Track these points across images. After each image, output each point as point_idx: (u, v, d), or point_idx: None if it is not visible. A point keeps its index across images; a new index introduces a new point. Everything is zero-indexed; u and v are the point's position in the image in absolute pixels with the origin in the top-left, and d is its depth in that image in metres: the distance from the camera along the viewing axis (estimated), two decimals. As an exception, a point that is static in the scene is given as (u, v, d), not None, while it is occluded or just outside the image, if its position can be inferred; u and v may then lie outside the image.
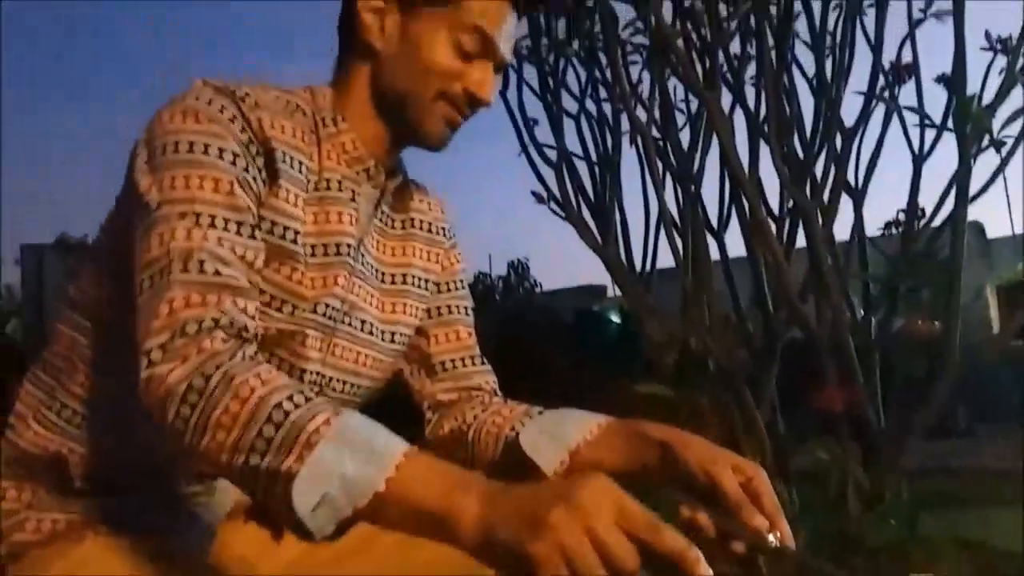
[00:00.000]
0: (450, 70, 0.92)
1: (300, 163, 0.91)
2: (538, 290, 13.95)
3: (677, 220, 2.71)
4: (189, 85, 0.87)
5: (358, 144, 0.96)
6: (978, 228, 5.61)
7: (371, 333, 1.00)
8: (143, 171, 0.83)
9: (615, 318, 8.54)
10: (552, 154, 2.89)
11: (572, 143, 2.91)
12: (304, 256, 0.90)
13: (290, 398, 0.70)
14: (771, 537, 0.80)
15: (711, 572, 0.61)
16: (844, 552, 1.95)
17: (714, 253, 2.69)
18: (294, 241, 0.88)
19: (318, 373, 0.94)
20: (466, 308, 1.12)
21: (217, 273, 0.77)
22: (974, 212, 2.25)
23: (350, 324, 0.97)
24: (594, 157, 2.91)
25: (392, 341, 1.03)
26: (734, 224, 2.65)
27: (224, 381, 0.70)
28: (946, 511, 2.51)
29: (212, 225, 0.80)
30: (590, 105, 2.91)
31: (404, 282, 1.05)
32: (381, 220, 1.03)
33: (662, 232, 2.76)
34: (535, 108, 2.96)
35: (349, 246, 0.94)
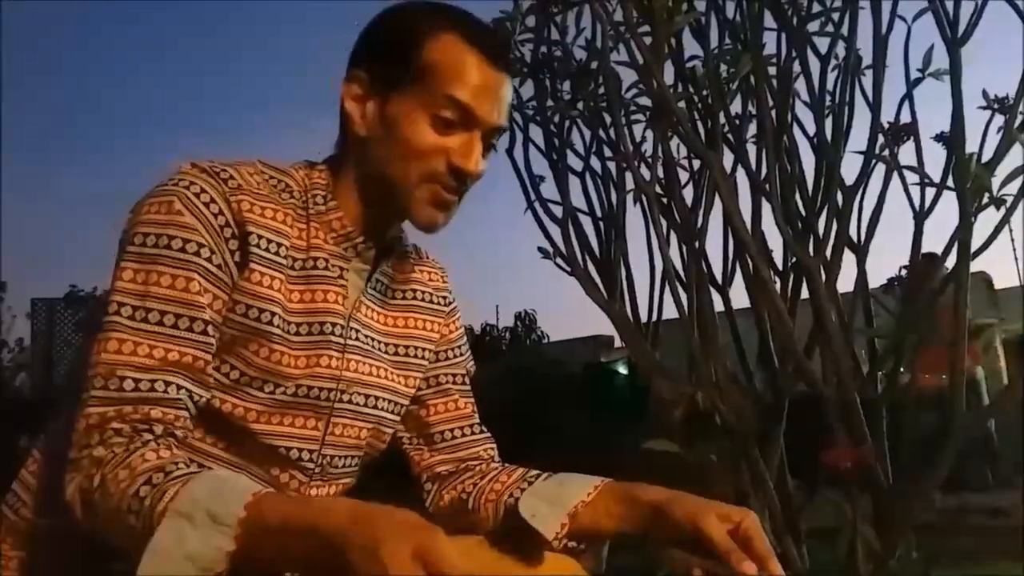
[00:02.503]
0: (432, 147, 0.94)
1: (279, 245, 0.93)
2: (545, 341, 13.91)
3: (682, 275, 2.74)
4: (174, 170, 0.91)
5: (346, 222, 0.98)
6: (985, 280, 5.61)
7: (375, 407, 1.02)
8: (117, 259, 0.88)
9: (623, 370, 8.51)
10: (558, 210, 2.93)
11: (577, 200, 2.96)
12: (284, 336, 0.92)
13: (147, 481, 0.75)
14: None
15: None
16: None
17: (719, 306, 2.71)
18: (270, 323, 0.91)
19: (318, 453, 0.96)
20: (464, 376, 1.14)
21: (137, 388, 0.82)
22: (982, 263, 2.27)
23: (350, 401, 0.99)
24: (599, 213, 2.95)
25: (395, 412, 1.05)
26: (739, 278, 2.68)
27: (98, 483, 0.77)
28: (960, 567, 2.47)
29: (154, 329, 0.84)
30: (595, 163, 2.96)
31: (407, 353, 1.07)
32: (379, 292, 1.05)
33: (667, 286, 2.78)
34: (541, 166, 3.01)
35: (335, 325, 0.96)
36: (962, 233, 2.14)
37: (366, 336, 1.01)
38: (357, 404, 0.99)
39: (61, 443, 0.93)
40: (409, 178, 0.94)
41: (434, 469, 1.09)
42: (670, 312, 2.80)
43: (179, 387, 0.84)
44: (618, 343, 12.19)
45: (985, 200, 2.14)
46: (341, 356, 0.97)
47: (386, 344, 1.04)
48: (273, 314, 0.91)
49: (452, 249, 1.19)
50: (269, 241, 0.92)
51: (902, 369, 2.58)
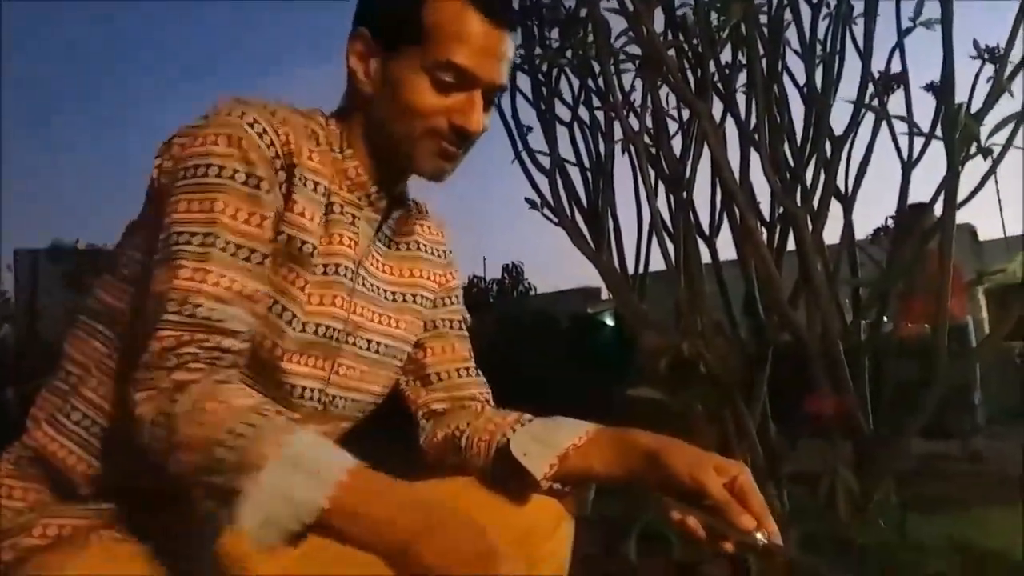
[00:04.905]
0: (432, 107, 0.95)
1: (316, 183, 0.94)
2: (532, 293, 13.96)
3: (669, 226, 2.74)
4: (219, 102, 0.90)
5: (361, 171, 0.99)
6: (970, 231, 5.65)
7: (377, 352, 1.03)
8: (170, 191, 0.87)
9: (609, 322, 8.56)
10: (545, 161, 2.91)
11: (565, 150, 2.94)
12: (312, 270, 0.93)
13: (247, 421, 0.74)
14: (759, 535, 0.82)
15: None
16: (833, 554, 1.98)
17: (706, 257, 2.72)
18: (309, 254, 0.92)
19: (322, 391, 0.97)
20: (461, 322, 1.15)
21: (208, 316, 0.83)
22: (967, 215, 2.29)
23: (355, 344, 1.00)
24: (587, 164, 2.94)
25: (396, 358, 1.06)
26: (726, 229, 2.69)
27: (186, 408, 0.76)
28: (937, 513, 2.54)
29: (221, 258, 0.84)
30: (583, 113, 2.93)
31: (406, 300, 1.08)
32: (384, 243, 1.06)
33: (654, 238, 2.78)
34: (529, 116, 2.99)
35: (347, 268, 0.97)
36: (949, 182, 2.15)
37: (372, 284, 1.03)
38: (361, 348, 1.01)
39: (71, 377, 0.94)
40: (412, 135, 0.96)
41: (430, 407, 1.11)
42: (656, 264, 2.82)
43: (245, 320, 0.85)
44: (605, 295, 12.26)
45: (973, 150, 2.14)
46: (349, 300, 0.98)
47: (389, 292, 1.06)
48: (314, 247, 0.93)
49: (438, 200, 1.19)
50: (308, 179, 0.93)
51: (885, 319, 2.61)
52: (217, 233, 0.85)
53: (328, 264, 0.96)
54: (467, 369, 1.13)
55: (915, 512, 2.24)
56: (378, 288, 1.04)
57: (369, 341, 1.02)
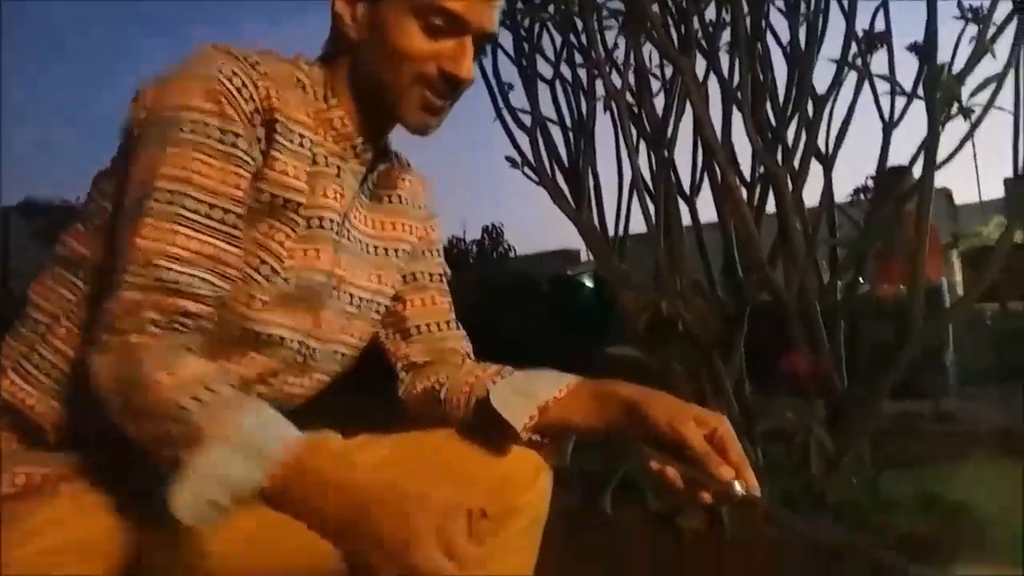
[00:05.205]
0: (421, 53, 0.92)
1: (301, 136, 0.91)
2: (512, 255, 13.96)
3: (650, 186, 2.73)
4: (197, 50, 0.87)
5: (347, 121, 0.97)
6: (946, 194, 5.70)
7: (358, 306, 1.02)
8: (143, 142, 0.84)
9: (589, 283, 8.58)
10: (526, 119, 2.88)
11: (546, 108, 2.91)
12: (296, 225, 0.91)
13: (195, 396, 0.74)
14: (737, 486, 0.83)
15: None
16: (808, 510, 2.01)
17: (686, 219, 2.72)
18: (295, 211, 0.90)
19: (302, 343, 0.96)
20: (441, 276, 1.15)
21: (172, 280, 0.81)
22: (944, 179, 2.29)
23: (338, 298, 0.99)
24: (568, 122, 2.91)
25: (377, 311, 1.05)
26: (706, 190, 2.68)
27: (138, 377, 0.76)
28: (909, 470, 2.59)
29: (191, 218, 0.82)
30: (565, 70, 2.90)
31: (387, 254, 1.07)
32: (367, 196, 1.04)
33: (635, 198, 2.78)
34: (510, 73, 2.95)
35: (332, 221, 0.96)
36: (929, 142, 2.15)
37: (355, 237, 1.01)
38: (344, 302, 1.00)
39: (38, 325, 0.92)
40: (400, 82, 0.93)
41: (409, 359, 1.10)
42: (637, 227, 2.81)
43: (211, 283, 0.83)
44: (584, 258, 12.27)
45: (954, 110, 2.15)
46: (334, 254, 0.96)
47: (371, 246, 1.05)
48: (298, 204, 0.91)
49: (418, 160, 1.17)
50: (292, 131, 0.90)
51: (861, 280, 2.64)
52: (188, 192, 0.82)
53: (312, 217, 0.94)
54: (447, 322, 1.13)
55: (887, 470, 2.28)
56: (361, 242, 1.03)
57: (351, 296, 1.01)
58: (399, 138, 1.12)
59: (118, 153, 0.91)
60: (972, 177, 7.69)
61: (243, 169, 0.86)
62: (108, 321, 0.80)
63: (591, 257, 3.08)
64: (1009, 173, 2.32)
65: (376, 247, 1.05)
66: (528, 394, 0.97)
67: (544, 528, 1.08)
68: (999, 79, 2.16)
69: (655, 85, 2.75)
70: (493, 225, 14.08)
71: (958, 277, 4.86)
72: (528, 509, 1.05)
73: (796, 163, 2.37)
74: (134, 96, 0.89)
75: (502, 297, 7.95)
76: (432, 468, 1.03)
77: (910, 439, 3.26)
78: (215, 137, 0.84)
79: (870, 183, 2.52)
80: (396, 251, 1.08)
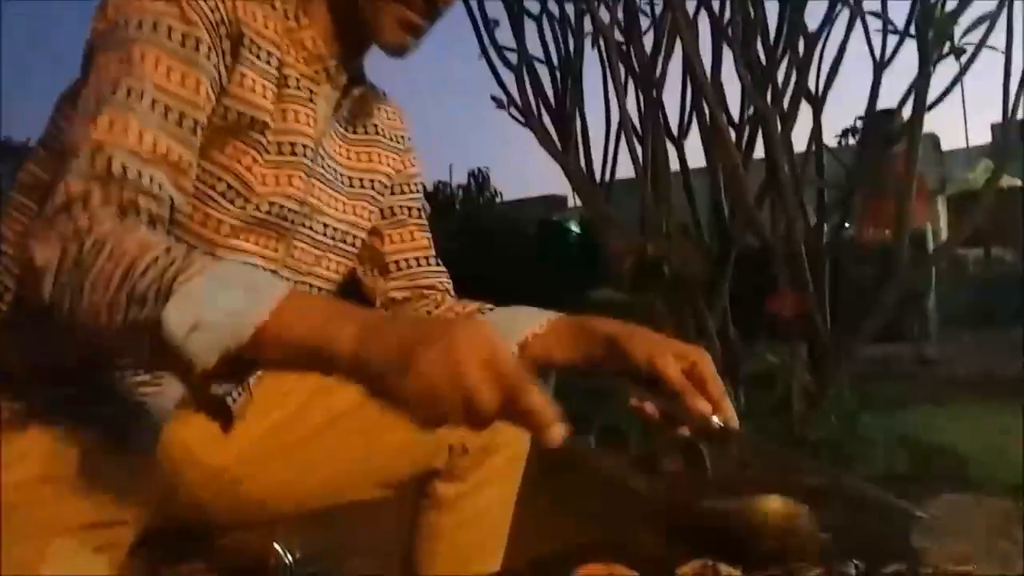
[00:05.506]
0: None
1: (269, 54, 0.87)
2: (499, 200, 13.88)
3: (638, 128, 2.69)
4: None
5: (318, 42, 0.92)
6: (933, 140, 5.68)
7: (332, 237, 0.99)
8: (102, 48, 0.80)
9: (575, 228, 8.56)
10: (513, 57, 2.82)
11: (533, 46, 2.85)
12: (264, 149, 0.87)
13: (167, 250, 0.67)
14: (715, 419, 0.82)
15: (560, 438, 0.61)
16: (786, 446, 2.04)
17: (674, 162, 2.69)
18: (261, 132, 0.86)
19: (275, 273, 0.93)
20: (420, 211, 1.12)
21: (124, 173, 0.74)
22: (931, 125, 2.28)
23: (311, 228, 0.96)
24: (556, 61, 2.85)
25: (352, 244, 1.03)
26: (694, 133, 2.65)
27: (97, 246, 0.67)
28: (887, 411, 2.62)
29: (147, 115, 0.77)
30: (552, 6, 2.83)
31: (363, 186, 1.03)
32: (342, 125, 1.00)
33: (622, 142, 2.74)
34: (495, 8, 2.88)
35: (306, 147, 0.92)
36: (920, 83, 2.12)
37: (329, 166, 0.97)
38: (317, 232, 0.97)
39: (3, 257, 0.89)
40: None
41: (389, 295, 1.08)
42: (623, 173, 2.78)
43: (165, 187, 0.77)
44: (571, 203, 12.21)
45: (946, 50, 2.12)
46: (308, 181, 0.93)
47: (345, 177, 1.01)
48: (264, 124, 0.86)
49: (402, 98, 1.13)
50: (261, 48, 0.86)
51: (847, 224, 2.63)
52: (145, 89, 0.77)
53: (283, 143, 0.90)
54: (427, 258, 1.11)
55: (866, 410, 2.31)
56: (335, 171, 1.00)
57: (325, 226, 0.98)
58: (380, 74, 1.09)
59: (80, 73, 0.87)
60: (959, 125, 7.68)
61: (204, 76, 0.81)
62: (51, 209, 0.71)
63: (578, 203, 3.05)
64: (995, 119, 2.30)
65: (351, 178, 1.02)
66: (508, 329, 0.96)
67: (526, 470, 1.07)
68: (991, 19, 2.12)
69: (644, 22, 2.70)
70: (479, 170, 13.94)
71: (943, 223, 4.88)
72: (509, 445, 1.05)
73: (785, 103, 2.34)
74: (96, 8, 0.84)
75: (488, 241, 7.93)
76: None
77: (891, 381, 3.30)
78: (176, 40, 0.79)
79: (859, 124, 2.50)
80: (372, 183, 1.04)
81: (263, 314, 0.62)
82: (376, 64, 1.04)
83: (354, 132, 1.03)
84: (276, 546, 0.98)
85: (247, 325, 0.62)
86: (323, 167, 0.96)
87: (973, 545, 0.71)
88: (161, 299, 0.63)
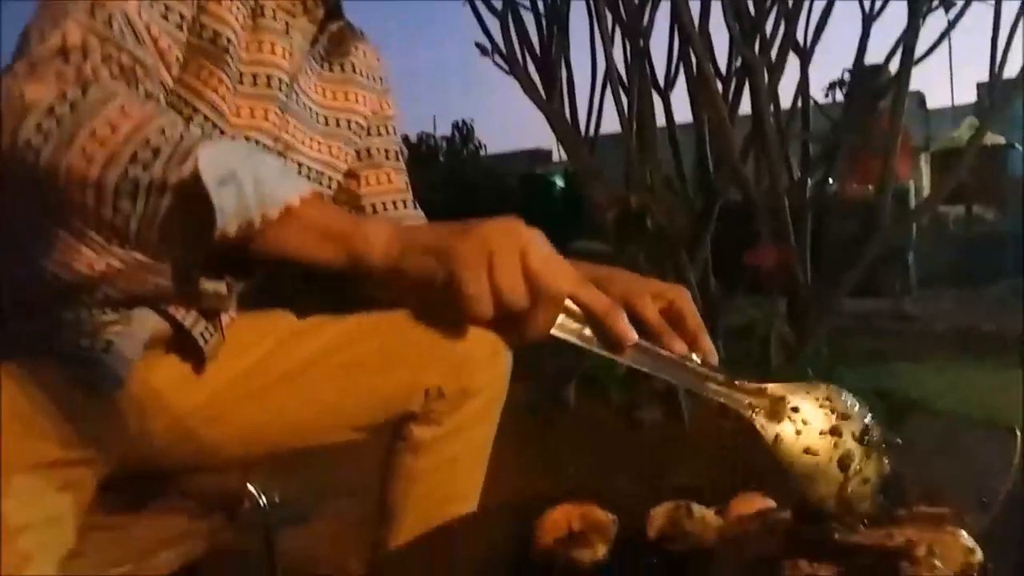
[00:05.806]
0: None
1: None
2: (483, 153, 13.75)
3: (624, 79, 2.65)
4: None
5: None
6: (919, 97, 5.67)
7: (307, 176, 0.97)
8: None
9: (559, 182, 8.52)
10: (498, 3, 2.76)
11: (519, -9, 2.78)
12: (233, 75, 0.84)
13: (189, 119, 0.63)
14: (694, 356, 0.82)
15: (634, 336, 0.60)
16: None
17: (660, 116, 2.66)
18: (226, 50, 0.82)
19: None
20: (397, 153, 1.09)
21: (123, 36, 0.69)
22: (916, 82, 2.26)
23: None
24: (541, 7, 2.80)
25: (328, 186, 1.01)
26: (681, 87, 2.61)
27: (103, 97, 0.60)
28: (865, 366, 2.66)
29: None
30: (539, -51, 2.76)
31: (339, 125, 1.01)
32: (318, 62, 0.97)
33: (608, 95, 2.70)
34: (480, -49, 2.80)
35: (281, 80, 0.89)
36: (909, 36, 2.10)
37: (304, 103, 0.95)
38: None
39: None
40: None
41: None
42: (608, 126, 2.75)
43: (155, 77, 0.73)
44: (556, 157, 12.13)
45: (935, 2, 2.09)
46: (282, 117, 0.90)
47: (321, 115, 0.98)
48: (229, 41, 0.82)
49: (384, 46, 1.10)
50: None
51: (831, 180, 2.62)
52: None
53: (258, 74, 0.87)
54: (404, 201, 1.09)
55: (844, 364, 2.33)
56: (310, 109, 0.97)
57: (300, 164, 0.96)
58: (361, 20, 1.06)
59: None
60: (944, 83, 7.65)
61: None
62: (44, 51, 0.64)
63: (563, 157, 3.02)
64: (981, 78, 2.29)
65: (327, 117, 0.99)
66: None
67: (507, 418, 1.07)
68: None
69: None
70: (464, 122, 13.77)
71: (926, 181, 4.89)
72: (486, 389, 1.04)
73: (773, 54, 2.31)
74: None
75: (471, 194, 7.88)
76: (390, 348, 1.01)
77: (869, 336, 3.34)
78: None
79: (847, 77, 2.48)
80: (348, 123, 1.02)
81: (293, 197, 0.57)
82: (355, 12, 1.02)
83: (330, 70, 1.00)
84: (250, 488, 0.97)
85: (276, 200, 0.56)
86: (298, 104, 0.94)
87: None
88: (182, 153, 0.56)
